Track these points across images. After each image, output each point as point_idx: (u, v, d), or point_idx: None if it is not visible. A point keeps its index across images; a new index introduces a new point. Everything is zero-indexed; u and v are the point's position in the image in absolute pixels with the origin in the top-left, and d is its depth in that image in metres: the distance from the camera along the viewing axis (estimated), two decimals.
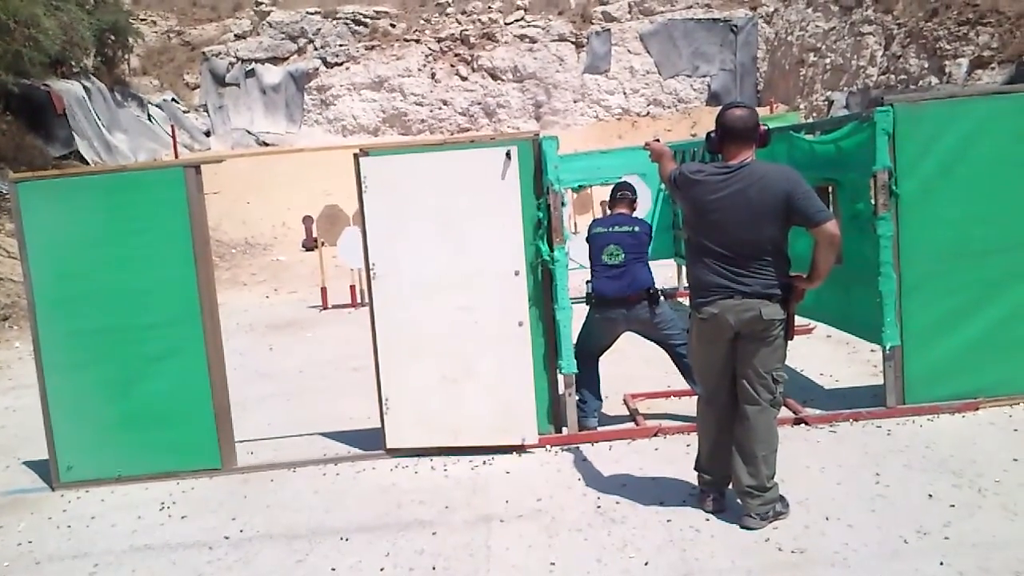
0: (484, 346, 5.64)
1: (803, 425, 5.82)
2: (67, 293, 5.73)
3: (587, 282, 6.03)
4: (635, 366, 7.56)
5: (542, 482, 5.21)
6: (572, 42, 24.93)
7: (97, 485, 5.78)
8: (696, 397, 4.76)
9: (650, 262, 6.06)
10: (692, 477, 4.83)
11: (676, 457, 5.41)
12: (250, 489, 5.53)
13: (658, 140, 4.92)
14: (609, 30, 24.76)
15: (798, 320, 7.93)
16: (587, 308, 6.02)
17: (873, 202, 5.85)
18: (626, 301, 5.85)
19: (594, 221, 6.29)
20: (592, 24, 24.97)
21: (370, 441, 6.05)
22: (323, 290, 13.33)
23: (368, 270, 5.79)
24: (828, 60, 21.07)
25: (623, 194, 6.31)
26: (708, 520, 4.45)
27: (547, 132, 6.48)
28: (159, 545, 4.82)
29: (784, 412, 6.10)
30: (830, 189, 6.54)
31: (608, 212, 6.47)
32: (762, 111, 21.04)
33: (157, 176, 5.86)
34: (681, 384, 7.02)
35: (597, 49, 24.67)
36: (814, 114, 20.67)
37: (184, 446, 5.79)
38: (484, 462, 5.61)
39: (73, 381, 5.77)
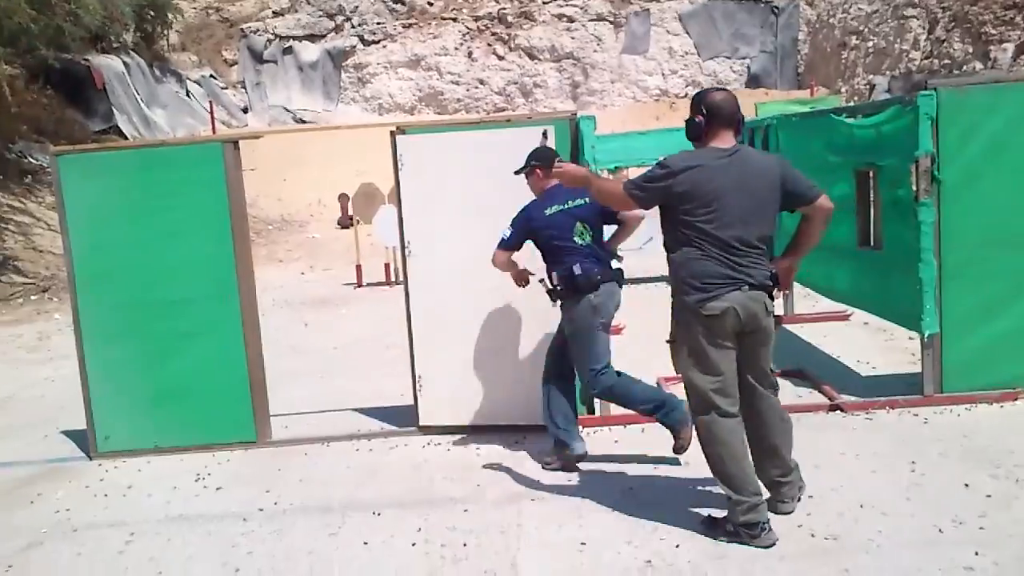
0: (517, 326, 5.64)
1: (839, 412, 5.78)
2: (106, 266, 5.80)
3: (555, 272, 4.97)
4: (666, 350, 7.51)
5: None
6: (610, 22, 24.76)
7: (134, 456, 5.86)
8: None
9: None
10: None
11: None
12: (284, 462, 5.58)
13: (560, 160, 4.46)
14: (648, 10, 24.56)
15: (835, 306, 7.98)
16: (557, 304, 5.04)
17: (914, 188, 5.77)
18: (619, 276, 5.07)
19: (537, 202, 5.12)
20: (631, 4, 24.77)
21: (403, 418, 6.09)
22: (358, 268, 13.39)
23: (403, 248, 5.80)
24: (870, 43, 20.76)
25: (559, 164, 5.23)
26: None
27: (584, 112, 6.27)
28: (194, 515, 4.88)
29: (819, 399, 6.08)
30: (870, 174, 6.47)
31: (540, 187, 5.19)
32: (802, 94, 20.87)
33: (195, 152, 5.92)
34: None
35: (636, 29, 24.49)
36: (855, 98, 20.41)
37: (220, 419, 5.86)
38: (516, 441, 5.62)
39: (111, 353, 5.85)
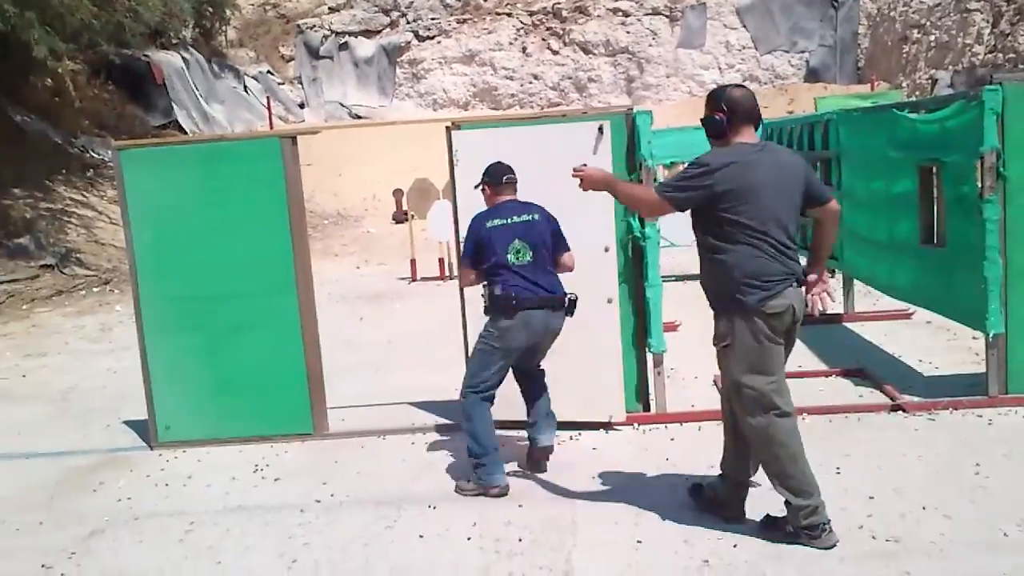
0: (572, 322, 5.60)
1: (900, 412, 5.68)
2: (167, 259, 5.90)
3: (484, 285, 4.93)
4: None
5: (629, 460, 5.20)
6: (666, 16, 24.57)
7: (193, 446, 5.95)
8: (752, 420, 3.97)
9: None
10: None
11: None
12: (340, 455, 5.63)
13: (585, 165, 4.29)
14: (705, 4, 24.33)
15: (896, 304, 7.85)
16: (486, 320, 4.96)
17: (979, 184, 5.65)
18: (552, 302, 4.87)
19: (483, 214, 5.05)
20: None
21: (458, 412, 6.09)
22: (412, 262, 13.45)
23: (458, 243, 5.81)
24: (932, 37, 20.35)
25: (510, 178, 5.08)
26: None
27: (639, 107, 6.23)
28: (252, 506, 4.95)
29: (881, 398, 5.98)
30: (934, 170, 6.34)
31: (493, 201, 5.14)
32: (862, 88, 20.52)
33: (254, 146, 5.99)
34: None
35: (692, 23, 24.28)
36: (917, 92, 20.01)
37: (278, 411, 5.93)
38: (571, 437, 5.62)
39: (172, 345, 5.95)
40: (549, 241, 4.98)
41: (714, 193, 3.81)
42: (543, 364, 5.21)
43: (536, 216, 4.98)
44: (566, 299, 4.91)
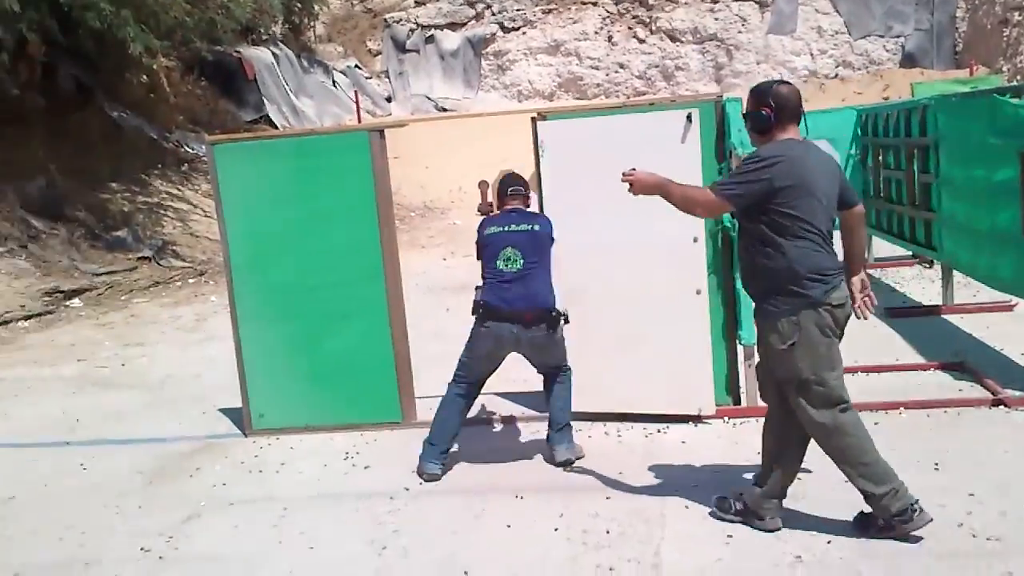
0: (660, 314, 5.56)
1: (1002, 407, 5.49)
2: (259, 250, 6.02)
3: (476, 288, 5.12)
4: None
5: (719, 454, 5.13)
6: (756, 2, 24.11)
7: (286, 433, 6.07)
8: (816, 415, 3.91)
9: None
10: (880, 452, 4.65)
11: None
12: None
13: (634, 169, 4.19)
14: None
15: (999, 296, 7.58)
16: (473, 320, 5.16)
17: None
18: (521, 318, 4.94)
19: (486, 220, 5.30)
20: None
21: (543, 403, 6.09)
22: None
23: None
24: None
25: (515, 189, 5.24)
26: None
27: (729, 95, 6.12)
28: (343, 493, 5.03)
29: (982, 393, 5.79)
30: None
31: (497, 210, 5.39)
32: (961, 73, 19.85)
33: (343, 140, 6.07)
34: (871, 359, 6.74)
35: (783, 8, 23.77)
36: (1018, 77, 19.27)
37: (367, 400, 6.01)
38: (659, 430, 5.56)
39: (265, 335, 6.08)
40: (548, 252, 5.09)
41: (773, 188, 3.78)
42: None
43: (537, 227, 5.08)
44: (544, 313, 4.96)
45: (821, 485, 4.50)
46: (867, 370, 6.53)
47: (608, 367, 5.66)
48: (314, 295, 5.96)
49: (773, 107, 3.89)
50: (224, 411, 6.77)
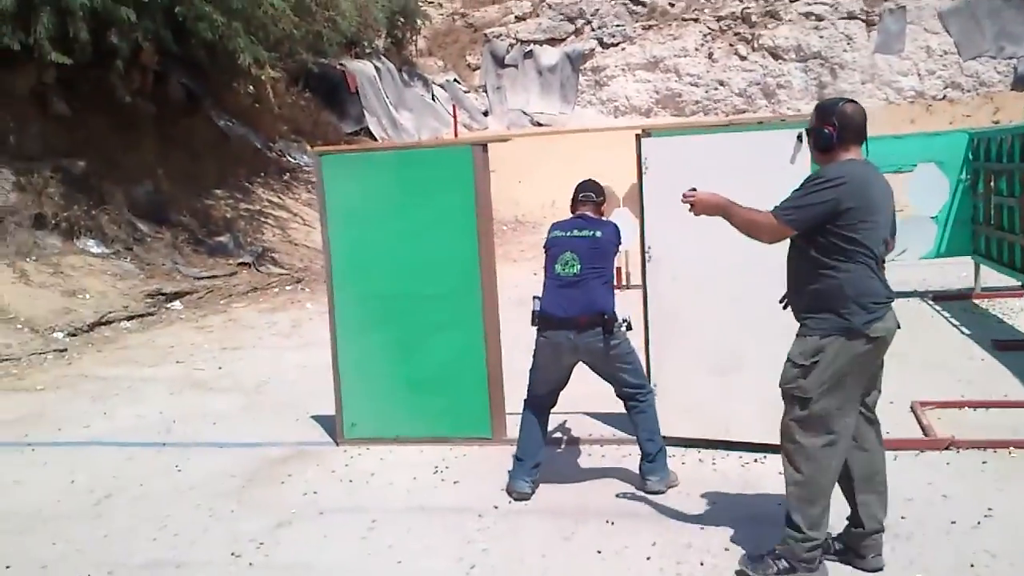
0: (760, 339, 5.37)
1: None
2: (360, 260, 6.06)
3: (534, 298, 5.04)
4: (920, 371, 7.04)
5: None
6: (863, 20, 23.54)
7: (376, 444, 6.08)
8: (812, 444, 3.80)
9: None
10: (986, 494, 4.43)
11: (970, 473, 5.01)
12: None
13: (694, 189, 4.11)
14: (904, 8, 23.14)
15: None
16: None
17: None
18: (575, 323, 4.81)
19: (554, 224, 5.27)
20: (885, 1, 23.45)
21: (630, 426, 5.97)
22: None
23: (643, 252, 5.71)
24: None
25: (586, 195, 5.21)
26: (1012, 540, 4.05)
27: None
28: (432, 507, 5.00)
29: None
30: None
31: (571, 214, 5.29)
32: None
33: (447, 154, 6.09)
34: (977, 393, 6.49)
35: (890, 27, 23.15)
36: None
37: (458, 414, 5.99)
38: (755, 460, 5.39)
39: (361, 344, 6.11)
40: (610, 260, 4.98)
41: (836, 210, 3.67)
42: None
43: (599, 233, 4.96)
44: (598, 317, 4.79)
45: (922, 523, 4.30)
46: (974, 405, 6.27)
47: (705, 392, 5.52)
48: (411, 306, 5.97)
49: (836, 126, 3.80)
50: (317, 418, 6.81)
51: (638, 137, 5.66)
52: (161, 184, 14.84)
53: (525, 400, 5.17)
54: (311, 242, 16.16)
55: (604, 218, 5.27)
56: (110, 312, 10.97)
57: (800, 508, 3.81)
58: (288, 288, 13.69)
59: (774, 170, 5.28)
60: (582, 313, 4.81)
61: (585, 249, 4.93)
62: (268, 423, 6.90)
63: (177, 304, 12.08)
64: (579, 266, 4.88)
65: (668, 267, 5.58)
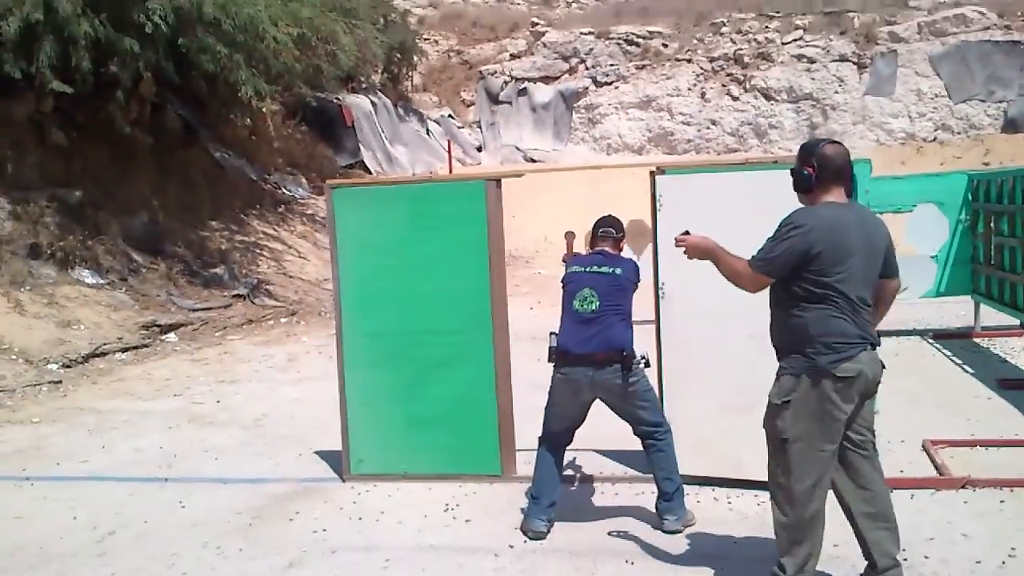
0: (774, 376, 5.35)
1: None
2: (369, 294, 6.00)
3: (551, 334, 5.02)
4: (929, 410, 7.02)
5: (838, 526, 4.84)
6: (854, 63, 23.76)
7: (384, 480, 5.98)
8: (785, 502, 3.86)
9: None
10: (1007, 534, 4.39)
11: (989, 512, 4.97)
12: None
13: (687, 232, 4.15)
14: (896, 51, 23.40)
15: None
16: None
17: None
18: (593, 360, 4.77)
19: (572, 259, 5.33)
20: (877, 44, 23.71)
21: (645, 462, 5.91)
22: None
23: (656, 289, 5.67)
24: None
25: (605, 231, 5.15)
26: None
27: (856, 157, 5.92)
28: (445, 546, 4.91)
29: None
30: None
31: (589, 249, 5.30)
32: None
33: (460, 188, 6.07)
34: (987, 432, 6.47)
35: (881, 70, 23.37)
36: None
37: (467, 451, 5.91)
38: (772, 496, 5.32)
39: (370, 379, 6.03)
40: (629, 297, 4.93)
41: (808, 256, 3.68)
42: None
43: (619, 270, 4.93)
44: (616, 354, 4.74)
45: (945, 562, 4.25)
46: (985, 444, 6.26)
47: (720, 429, 5.46)
48: (421, 341, 5.91)
49: (816, 167, 3.82)
50: (320, 454, 6.72)
51: (652, 174, 5.65)
52: (157, 215, 14.77)
53: (540, 437, 5.10)
54: (305, 275, 16.10)
55: (623, 255, 5.23)
56: (105, 343, 10.85)
57: (788, 551, 3.81)
58: (283, 321, 13.59)
59: (788, 209, 5.26)
60: (600, 349, 4.76)
61: (604, 286, 4.89)
62: (270, 458, 6.79)
63: (172, 336, 11.97)
64: (598, 303, 4.83)
65: (682, 304, 5.55)
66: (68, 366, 10.04)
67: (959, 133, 22.66)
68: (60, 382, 9.55)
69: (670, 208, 5.55)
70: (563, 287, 5.08)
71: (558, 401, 4.97)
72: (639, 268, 5.07)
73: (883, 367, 3.84)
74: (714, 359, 5.46)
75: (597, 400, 4.97)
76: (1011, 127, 22.18)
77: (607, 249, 5.11)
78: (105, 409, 8.50)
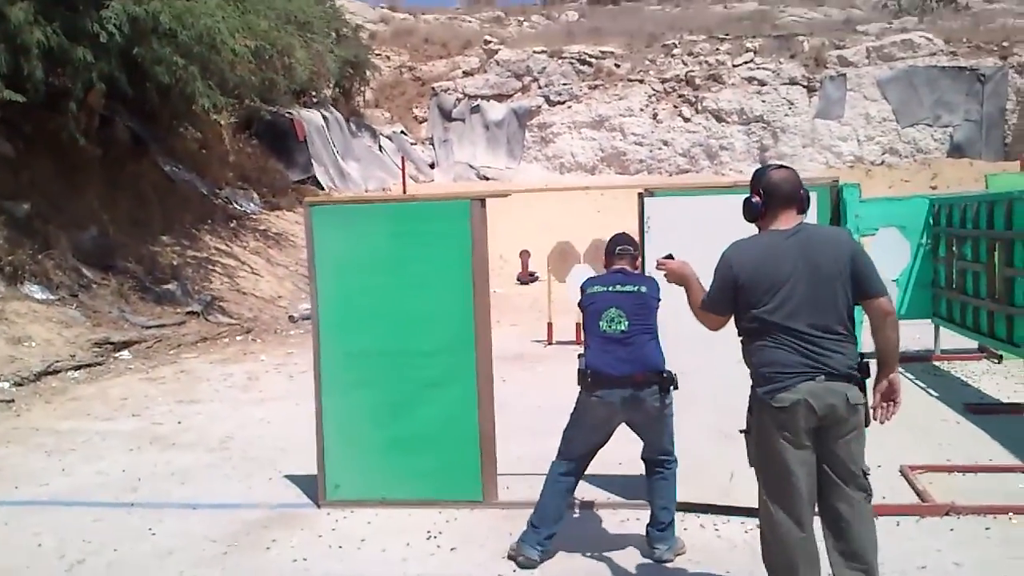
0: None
1: None
2: (348, 314, 5.85)
3: (579, 356, 4.88)
4: (900, 434, 7.04)
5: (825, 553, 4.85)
6: (804, 86, 24.24)
7: (361, 506, 5.83)
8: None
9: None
10: (998, 563, 4.39)
11: (976, 540, 4.97)
12: (514, 526, 5.37)
13: (671, 256, 4.19)
14: (845, 75, 23.90)
15: None
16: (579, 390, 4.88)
17: None
18: (632, 381, 4.65)
19: (589, 279, 5.12)
20: (826, 68, 24.19)
21: (629, 488, 5.85)
22: (549, 325, 13.31)
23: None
24: None
25: (623, 248, 5.02)
26: None
27: (845, 181, 5.97)
28: None
29: None
30: None
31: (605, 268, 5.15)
32: (1011, 165, 19.73)
33: (443, 208, 5.94)
34: (960, 457, 6.53)
35: (831, 94, 23.86)
36: None
37: (448, 475, 5.78)
38: (757, 525, 5.28)
39: (347, 401, 5.87)
40: (654, 314, 4.82)
41: (739, 286, 3.71)
42: None
43: (644, 288, 4.84)
44: (655, 375, 4.66)
45: None
46: (962, 469, 6.28)
47: (704, 454, 5.42)
48: (401, 362, 5.77)
49: (762, 194, 3.80)
50: (291, 478, 6.54)
51: (640, 196, 5.61)
52: (107, 229, 14.41)
53: (555, 462, 4.94)
54: (259, 291, 15.83)
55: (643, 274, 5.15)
56: (57, 361, 10.52)
57: None
58: (239, 338, 13.33)
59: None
60: (638, 371, 4.64)
61: (631, 305, 4.77)
62: (239, 482, 6.59)
63: (126, 353, 11.65)
64: (627, 322, 4.72)
65: (672, 328, 5.48)
66: (20, 384, 9.70)
67: (906, 157, 23.18)
68: (12, 401, 9.22)
69: (658, 231, 5.51)
70: (583, 308, 4.93)
71: (588, 424, 4.80)
72: (659, 286, 4.92)
73: (851, 402, 3.61)
74: (704, 384, 5.41)
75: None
76: (957, 151, 22.77)
77: (626, 267, 4.98)
78: (62, 430, 8.20)
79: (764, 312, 3.64)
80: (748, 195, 3.87)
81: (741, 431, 3.85)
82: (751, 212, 3.85)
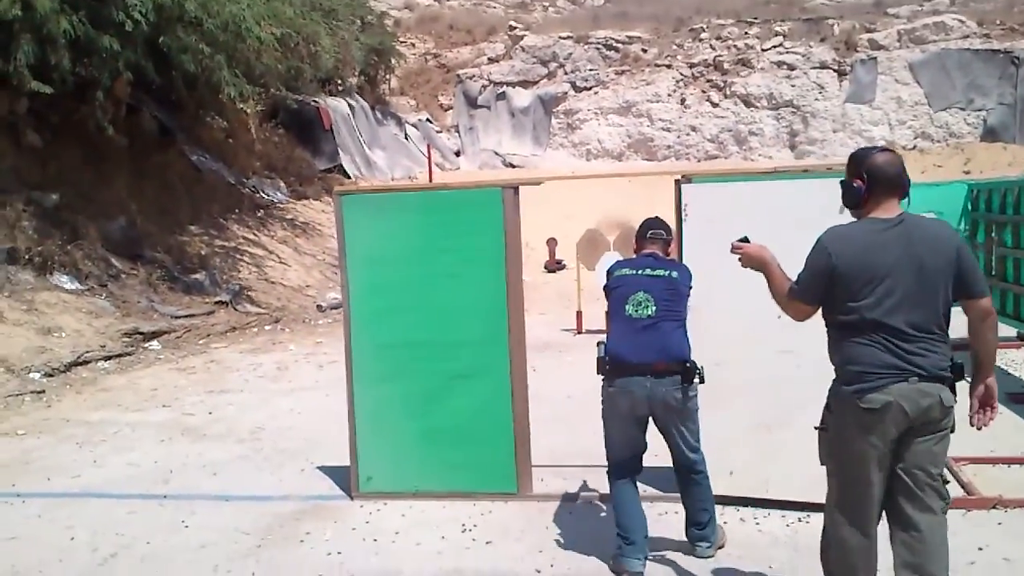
0: (807, 394, 5.16)
1: None
2: (380, 305, 5.78)
3: (598, 344, 4.67)
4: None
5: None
6: (834, 70, 23.91)
7: (394, 498, 5.76)
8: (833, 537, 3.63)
9: None
10: None
11: None
12: (549, 519, 5.34)
13: (746, 239, 3.92)
14: (876, 59, 23.55)
15: None
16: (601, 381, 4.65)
17: None
18: (651, 369, 4.38)
19: (617, 263, 4.89)
20: (857, 52, 23.84)
21: (663, 480, 5.73)
22: (579, 314, 13.20)
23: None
24: None
25: (655, 233, 4.79)
26: None
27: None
28: (469, 570, 4.71)
29: None
30: None
31: (634, 253, 4.91)
32: None
33: (476, 195, 5.84)
34: (1004, 448, 6.35)
35: (861, 78, 23.51)
36: None
37: (482, 467, 5.70)
38: (799, 519, 5.17)
39: (379, 393, 5.81)
40: (685, 302, 4.62)
41: (832, 277, 3.46)
42: None
43: (675, 274, 4.62)
44: (678, 365, 4.41)
45: None
46: (1008, 461, 6.12)
47: (743, 447, 5.30)
48: (434, 354, 5.69)
49: (866, 179, 3.49)
50: (324, 469, 6.49)
51: (678, 183, 5.48)
52: (135, 219, 14.43)
53: (609, 471, 4.71)
54: (288, 281, 15.82)
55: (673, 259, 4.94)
56: (87, 351, 10.52)
57: None
58: (267, 328, 13.31)
59: (820, 219, 5.11)
60: (659, 359, 4.41)
61: (660, 290, 4.53)
62: (271, 474, 6.55)
63: (155, 344, 11.65)
64: (654, 307, 4.48)
65: (708, 318, 5.36)
66: (50, 375, 9.71)
67: (939, 141, 22.83)
68: (43, 392, 9.23)
69: (696, 218, 5.38)
70: (609, 292, 4.71)
71: (615, 421, 4.56)
72: (691, 274, 4.77)
73: (942, 403, 3.41)
74: (743, 375, 5.29)
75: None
76: (990, 135, 22.39)
77: (657, 252, 4.76)
78: (93, 421, 8.19)
79: (862, 306, 3.42)
80: (845, 179, 3.61)
81: (817, 428, 3.66)
82: (853, 198, 3.57)
